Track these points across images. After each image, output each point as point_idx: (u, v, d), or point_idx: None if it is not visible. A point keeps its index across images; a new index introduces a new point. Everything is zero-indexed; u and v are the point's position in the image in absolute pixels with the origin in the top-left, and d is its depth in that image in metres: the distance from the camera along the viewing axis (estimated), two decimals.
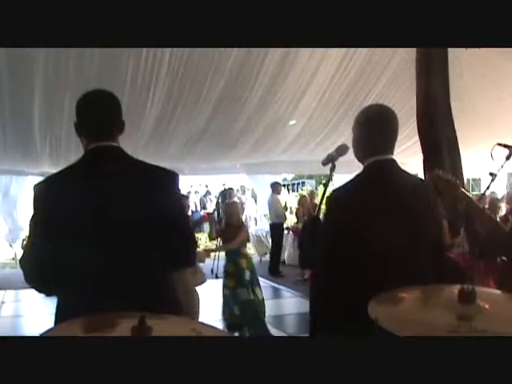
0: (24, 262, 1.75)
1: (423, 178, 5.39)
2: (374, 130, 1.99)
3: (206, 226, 10.01)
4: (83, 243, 1.63)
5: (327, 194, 2.11)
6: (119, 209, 1.68)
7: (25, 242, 1.81)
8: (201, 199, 17.31)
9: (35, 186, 1.77)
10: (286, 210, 10.76)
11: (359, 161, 2.06)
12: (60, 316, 1.73)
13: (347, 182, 2.06)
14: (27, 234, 1.77)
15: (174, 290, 1.89)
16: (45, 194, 1.75)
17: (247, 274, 4.89)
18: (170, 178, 1.85)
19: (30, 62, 5.30)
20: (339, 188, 2.06)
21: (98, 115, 1.82)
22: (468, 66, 6.05)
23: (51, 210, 1.68)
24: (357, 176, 2.02)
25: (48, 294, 1.84)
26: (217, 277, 8.98)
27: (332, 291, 1.90)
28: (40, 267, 1.69)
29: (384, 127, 2.01)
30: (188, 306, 4.74)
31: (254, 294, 4.86)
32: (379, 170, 1.98)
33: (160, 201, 1.76)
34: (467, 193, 2.10)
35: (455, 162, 4.83)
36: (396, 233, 1.77)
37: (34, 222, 1.74)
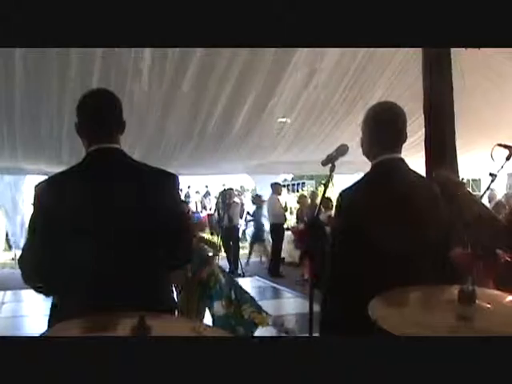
0: (23, 261, 1.76)
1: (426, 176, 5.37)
2: (380, 128, 1.97)
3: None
4: (82, 244, 1.63)
5: (327, 194, 2.10)
6: (119, 211, 1.69)
7: (24, 242, 1.80)
8: (201, 200, 17.33)
9: (36, 186, 1.77)
10: (286, 210, 10.76)
11: (368, 159, 2.04)
12: (56, 315, 1.73)
13: (356, 182, 2.06)
14: (27, 233, 1.77)
15: (171, 291, 1.91)
16: (46, 194, 1.75)
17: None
18: (170, 179, 1.87)
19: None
20: (348, 188, 2.05)
21: (99, 116, 1.81)
22: (468, 66, 6.04)
23: (52, 211, 1.69)
24: (365, 175, 2.01)
25: (46, 294, 1.84)
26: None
27: (341, 291, 1.87)
28: (39, 267, 1.69)
29: (390, 125, 1.97)
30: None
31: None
32: (386, 169, 1.95)
33: (160, 203, 1.77)
34: (473, 194, 2.10)
35: (453, 162, 4.80)
36: (401, 232, 1.75)
37: (34, 222, 1.75)
